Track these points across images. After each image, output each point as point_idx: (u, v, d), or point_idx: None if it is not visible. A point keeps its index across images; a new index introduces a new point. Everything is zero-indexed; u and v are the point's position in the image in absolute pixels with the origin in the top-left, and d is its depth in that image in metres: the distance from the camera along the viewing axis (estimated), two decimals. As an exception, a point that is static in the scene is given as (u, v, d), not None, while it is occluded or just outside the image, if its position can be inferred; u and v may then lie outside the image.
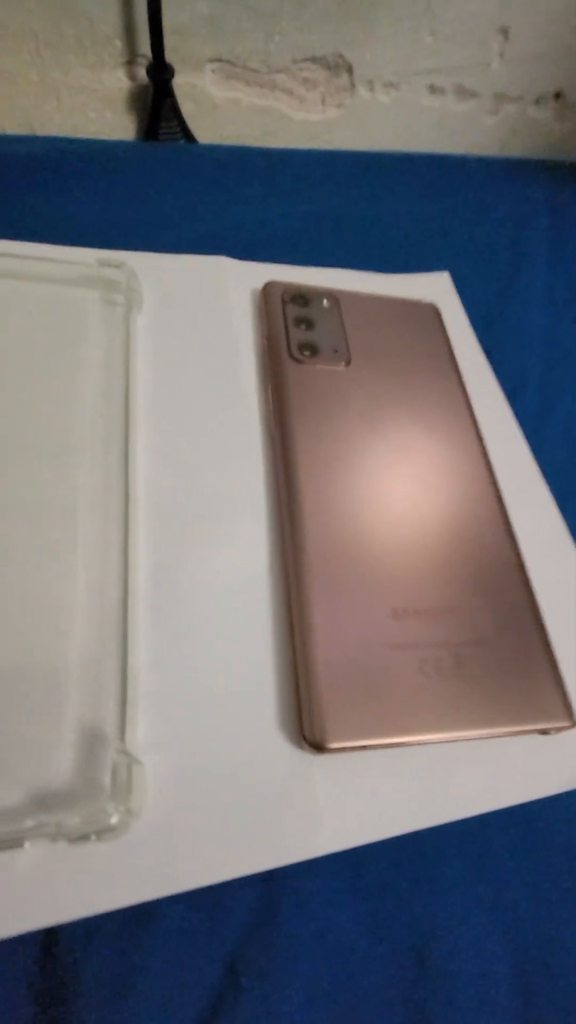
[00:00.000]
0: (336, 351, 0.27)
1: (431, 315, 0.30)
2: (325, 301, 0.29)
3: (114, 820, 0.15)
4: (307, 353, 0.26)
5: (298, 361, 0.26)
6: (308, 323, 0.28)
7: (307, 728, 0.18)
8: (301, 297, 0.28)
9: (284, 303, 0.28)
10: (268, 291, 0.28)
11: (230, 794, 0.17)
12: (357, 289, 0.30)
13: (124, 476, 0.22)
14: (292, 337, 0.27)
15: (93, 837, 0.15)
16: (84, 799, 0.16)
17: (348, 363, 0.27)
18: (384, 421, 0.25)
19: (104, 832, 0.15)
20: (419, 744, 0.18)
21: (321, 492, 0.23)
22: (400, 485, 0.24)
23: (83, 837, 0.15)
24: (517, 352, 0.33)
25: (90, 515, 0.21)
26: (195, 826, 0.17)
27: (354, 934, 0.16)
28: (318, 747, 0.17)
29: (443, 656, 0.20)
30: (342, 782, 0.18)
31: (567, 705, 0.20)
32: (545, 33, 0.44)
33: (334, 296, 0.29)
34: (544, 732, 0.20)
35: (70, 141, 0.38)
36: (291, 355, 0.26)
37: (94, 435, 0.23)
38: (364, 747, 0.18)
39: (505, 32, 0.43)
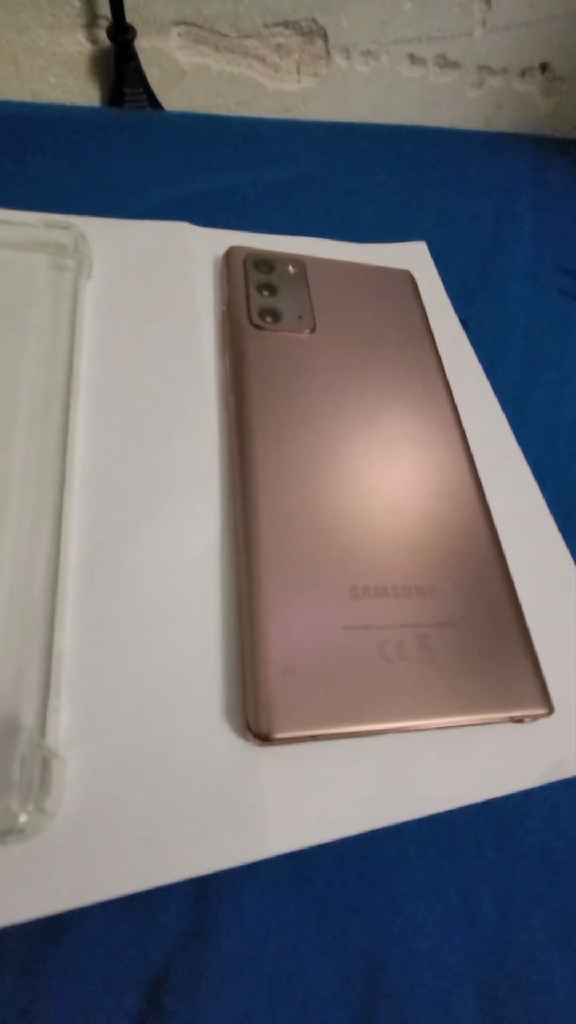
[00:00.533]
0: (300, 318, 0.25)
1: (405, 283, 0.29)
2: (291, 267, 0.27)
3: (22, 820, 0.13)
4: (268, 319, 0.25)
5: (259, 328, 0.24)
6: (271, 289, 0.26)
7: (251, 717, 0.16)
8: (265, 263, 0.27)
9: (246, 268, 0.26)
10: (230, 256, 0.27)
11: (165, 791, 0.16)
12: (327, 257, 0.28)
13: (62, 447, 0.20)
14: (253, 303, 0.25)
15: (-4, 841, 0.13)
16: (-11, 798, 0.14)
17: (313, 330, 0.25)
18: (350, 391, 0.24)
19: (9, 834, 0.13)
20: (377, 734, 0.17)
21: (277, 465, 0.21)
22: (365, 458, 0.22)
23: (-15, 840, 0.13)
24: (497, 325, 0.31)
25: (22, 488, 0.19)
26: (122, 827, 0.15)
27: (298, 948, 0.15)
28: (264, 738, 0.16)
29: (406, 639, 0.18)
30: (291, 776, 0.16)
31: (543, 691, 0.18)
32: (529, 1, 0.43)
33: (300, 262, 0.27)
34: (518, 720, 0.18)
35: (29, 106, 0.36)
36: (251, 321, 0.24)
37: (33, 404, 0.21)
38: (314, 737, 0.16)
39: (487, -2, 0.41)
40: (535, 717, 0.18)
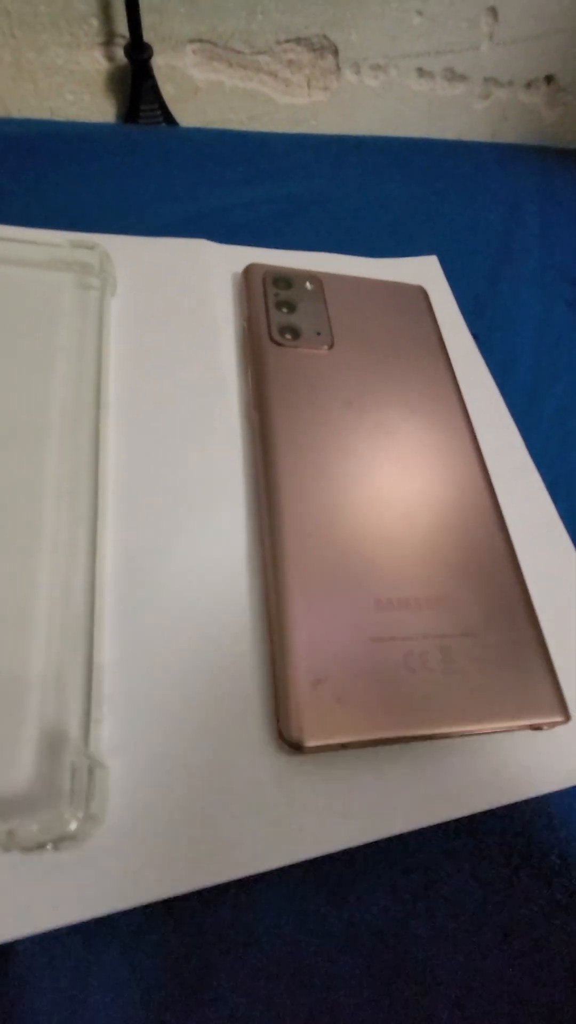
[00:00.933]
0: (319, 334, 0.26)
1: (419, 298, 0.29)
2: (308, 284, 0.28)
3: (72, 827, 0.14)
4: (288, 336, 0.25)
5: (279, 344, 0.25)
6: (290, 306, 0.26)
7: (284, 726, 0.17)
8: (283, 279, 0.27)
9: (265, 285, 0.27)
10: (249, 273, 0.27)
11: (202, 798, 0.16)
12: (342, 272, 0.29)
13: (94, 462, 0.21)
14: (273, 320, 0.26)
15: (50, 846, 0.14)
16: (41, 806, 0.15)
17: (331, 346, 0.26)
18: (368, 406, 0.24)
19: (62, 840, 0.14)
20: (403, 742, 0.17)
21: (301, 480, 0.22)
22: (385, 472, 0.23)
23: (39, 846, 0.14)
24: (507, 336, 0.32)
25: (57, 504, 0.20)
26: (163, 832, 0.16)
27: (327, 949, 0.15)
28: (296, 746, 0.16)
29: (429, 649, 0.19)
30: (322, 783, 0.17)
31: (560, 699, 0.19)
32: (535, 14, 0.43)
33: (317, 278, 0.28)
34: (536, 728, 0.18)
35: (47, 123, 0.37)
36: (272, 338, 0.25)
37: (63, 421, 0.22)
38: (344, 745, 0.17)
39: (494, 13, 0.42)
40: (552, 724, 0.18)
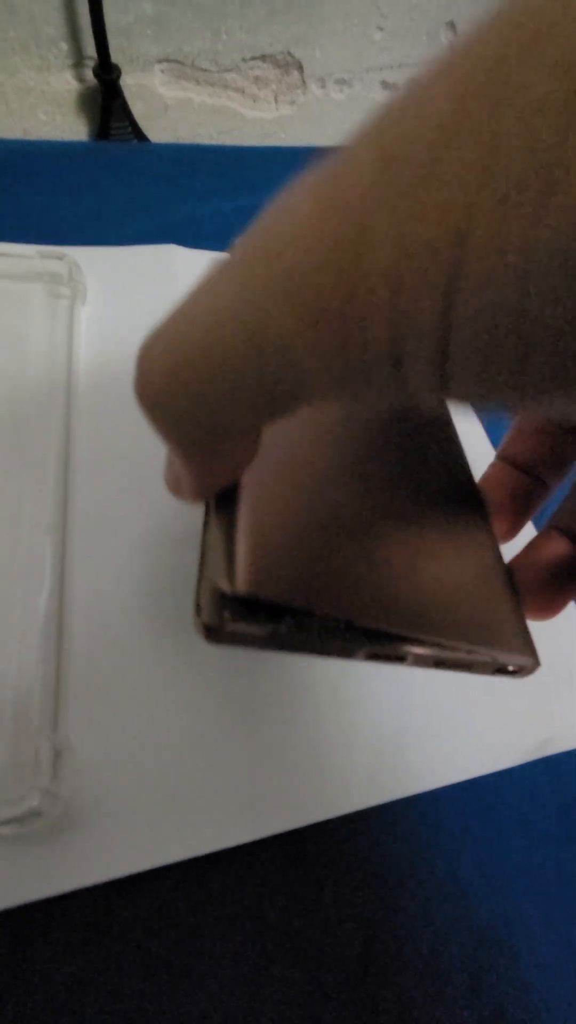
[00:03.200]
0: None
1: None
2: None
3: (36, 803, 0.14)
4: None
5: None
6: None
7: (221, 580, 0.14)
8: None
9: None
10: None
11: (166, 778, 0.17)
12: None
13: (63, 464, 0.22)
14: None
15: (15, 824, 0.14)
16: (7, 785, 0.15)
17: None
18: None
19: (27, 818, 0.14)
20: (348, 645, 0.15)
21: (271, 454, 0.21)
22: (359, 450, 0.23)
23: (5, 823, 0.14)
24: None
25: (26, 501, 0.21)
26: (130, 810, 0.16)
27: (299, 917, 0.16)
28: (227, 596, 0.13)
29: (396, 553, 0.16)
30: (283, 758, 0.18)
31: (529, 643, 0.16)
32: (493, 27, 0.45)
33: None
34: (502, 670, 0.16)
35: (21, 143, 0.38)
36: None
37: (35, 423, 0.23)
38: (277, 615, 0.14)
39: (453, 27, 0.44)
40: (522, 668, 0.16)
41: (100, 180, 0.36)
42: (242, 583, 0.13)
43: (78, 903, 0.15)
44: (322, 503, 0.17)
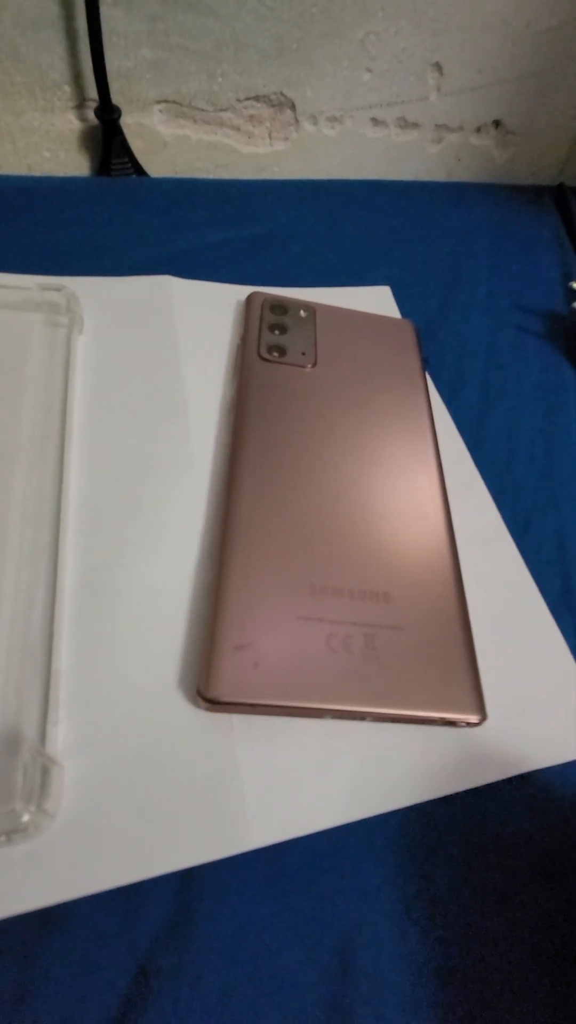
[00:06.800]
0: (304, 354, 0.28)
1: (407, 330, 0.32)
2: (302, 311, 0.30)
3: (25, 820, 0.15)
4: (275, 353, 0.28)
5: (266, 360, 0.27)
6: (282, 328, 0.29)
7: (202, 684, 0.18)
8: (280, 306, 0.30)
9: (263, 310, 0.29)
10: (251, 299, 0.30)
11: (153, 793, 0.17)
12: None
13: (58, 485, 0.23)
14: (264, 339, 0.28)
15: (2, 838, 0.15)
16: (-4, 800, 0.16)
17: (314, 365, 0.28)
18: (340, 416, 0.26)
19: (14, 832, 0.15)
20: (313, 715, 0.18)
21: (263, 473, 0.23)
22: (344, 475, 0.24)
23: (-8, 838, 0.15)
24: (457, 359, 0.34)
25: (23, 523, 0.21)
26: (115, 826, 0.16)
27: (274, 935, 0.16)
28: (211, 701, 0.17)
29: (354, 634, 0.19)
30: (269, 776, 0.18)
31: (478, 700, 0.19)
32: (479, 67, 0.47)
33: (311, 308, 0.30)
34: (451, 724, 0.19)
35: (25, 179, 0.39)
36: (260, 354, 0.27)
37: (31, 448, 0.24)
38: (254, 707, 0.18)
39: (439, 67, 0.46)
40: (467, 723, 0.19)
41: (100, 213, 0.37)
42: (214, 691, 0.17)
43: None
44: (295, 592, 0.20)
